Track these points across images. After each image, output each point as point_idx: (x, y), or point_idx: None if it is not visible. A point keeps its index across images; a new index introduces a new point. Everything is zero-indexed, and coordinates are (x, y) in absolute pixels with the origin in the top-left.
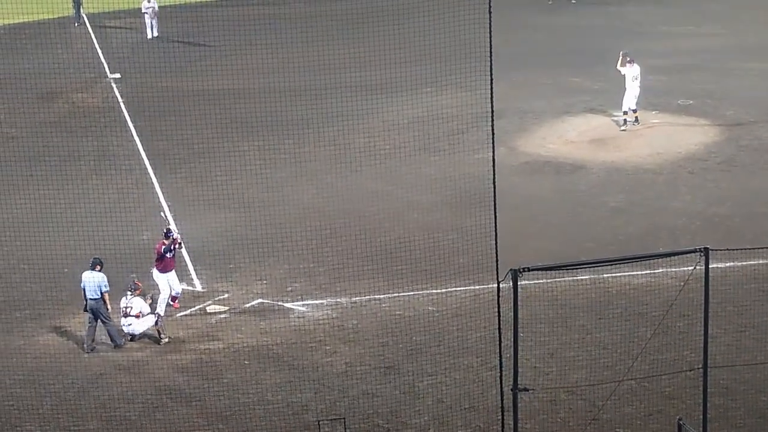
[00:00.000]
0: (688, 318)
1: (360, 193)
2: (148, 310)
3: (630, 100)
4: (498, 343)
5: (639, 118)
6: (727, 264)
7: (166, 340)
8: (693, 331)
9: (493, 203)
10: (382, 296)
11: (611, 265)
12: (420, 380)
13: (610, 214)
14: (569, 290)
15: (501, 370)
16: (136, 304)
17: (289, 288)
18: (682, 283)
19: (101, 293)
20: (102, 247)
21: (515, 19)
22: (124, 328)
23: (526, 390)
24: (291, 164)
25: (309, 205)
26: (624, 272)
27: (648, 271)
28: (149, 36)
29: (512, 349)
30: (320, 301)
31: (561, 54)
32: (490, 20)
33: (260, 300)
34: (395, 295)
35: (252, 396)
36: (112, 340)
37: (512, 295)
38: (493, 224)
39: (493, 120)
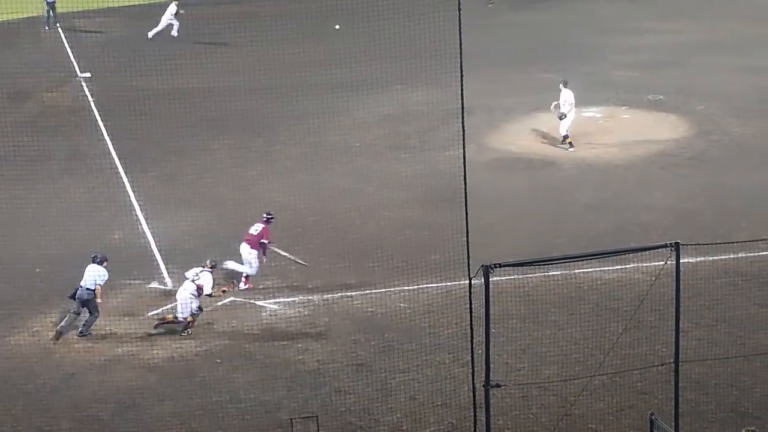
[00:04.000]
0: (659, 313)
1: (331, 190)
2: (209, 291)
3: (565, 124)
4: (470, 339)
5: (573, 143)
6: (698, 259)
7: (188, 333)
8: (664, 325)
9: (464, 200)
10: (353, 293)
11: (582, 260)
12: (392, 377)
13: (581, 210)
14: (541, 286)
15: (473, 367)
16: (205, 278)
17: (261, 286)
18: (653, 278)
19: (95, 286)
20: (73, 246)
21: (485, 17)
22: (182, 300)
23: (498, 386)
24: (262, 162)
25: (280, 203)
26: (595, 267)
27: (619, 267)
28: (174, 34)
29: (484, 345)
30: (292, 299)
31: (531, 50)
32: (459, 17)
33: (232, 298)
34: (367, 292)
35: (224, 394)
36: (85, 326)
37: (484, 292)
38: (465, 221)
39: (463, 117)
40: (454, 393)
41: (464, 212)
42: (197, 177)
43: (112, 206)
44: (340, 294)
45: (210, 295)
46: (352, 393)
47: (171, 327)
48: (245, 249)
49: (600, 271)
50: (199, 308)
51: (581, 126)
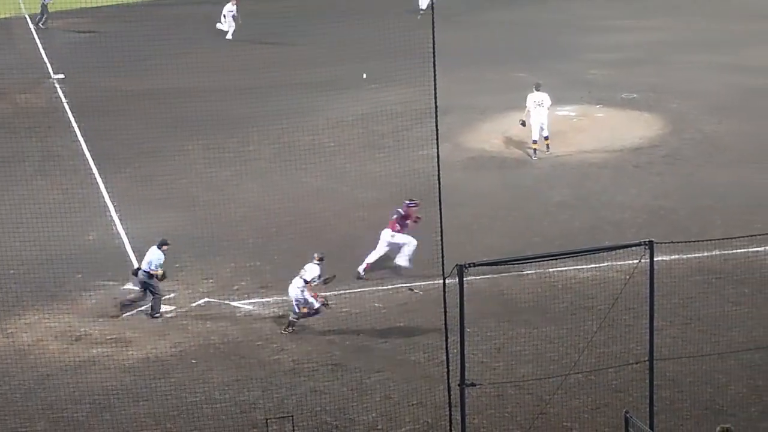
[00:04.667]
0: (633, 311)
1: (305, 190)
2: (308, 278)
3: (535, 128)
4: (444, 338)
5: (539, 149)
6: (672, 257)
7: (288, 331)
8: (639, 323)
9: (438, 199)
10: (328, 293)
11: (557, 259)
12: (367, 377)
13: (556, 209)
14: (515, 285)
15: (448, 366)
16: (310, 269)
17: (236, 286)
18: (628, 277)
19: (149, 269)
20: (48, 248)
21: (460, 16)
22: (295, 295)
23: (473, 385)
24: (236, 163)
25: (254, 204)
26: (570, 266)
27: (594, 265)
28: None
29: (459, 344)
30: (267, 299)
31: (506, 50)
32: (432, 16)
33: (207, 299)
34: (342, 292)
35: (199, 395)
36: (152, 309)
37: (458, 291)
38: (439, 220)
39: (437, 116)
40: (430, 392)
41: (438, 211)
42: (172, 178)
43: (86, 207)
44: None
45: (306, 282)
46: (327, 393)
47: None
48: (386, 234)
49: (574, 269)
50: (309, 303)
51: (554, 124)
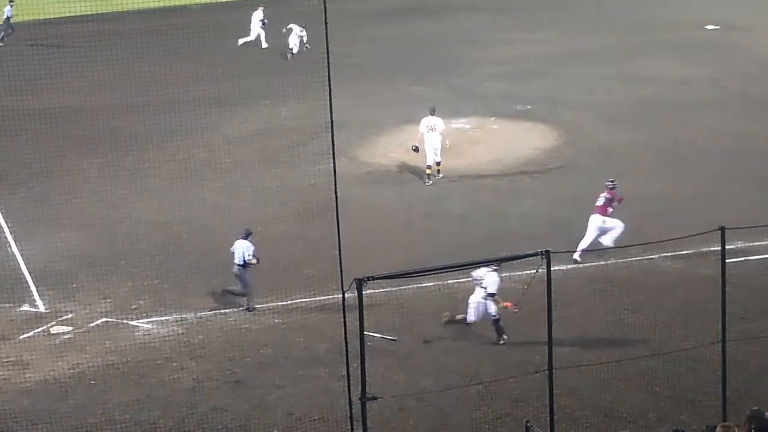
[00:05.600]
0: (532, 320)
1: (203, 207)
2: (494, 291)
3: (429, 153)
4: (345, 352)
5: (432, 174)
6: (569, 266)
7: (503, 340)
8: (538, 333)
9: (335, 214)
10: (228, 310)
11: (455, 271)
12: (269, 393)
13: (454, 221)
14: (415, 297)
15: (349, 380)
16: (490, 278)
17: (134, 305)
18: (525, 286)
19: (244, 261)
20: None
21: (354, 30)
22: (476, 304)
23: (374, 399)
24: (132, 180)
25: (152, 221)
26: (468, 278)
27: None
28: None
29: (359, 358)
30: (166, 318)
31: (400, 64)
32: (326, 30)
33: (105, 319)
34: (241, 309)
35: (99, 416)
36: (240, 295)
37: (357, 305)
38: (337, 234)
39: (332, 130)
40: (332, 407)
41: (336, 226)
42: (67, 197)
43: None
44: (214, 311)
45: (493, 296)
46: (229, 410)
47: (457, 326)
48: (596, 218)
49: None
50: (492, 314)
51: (450, 137)
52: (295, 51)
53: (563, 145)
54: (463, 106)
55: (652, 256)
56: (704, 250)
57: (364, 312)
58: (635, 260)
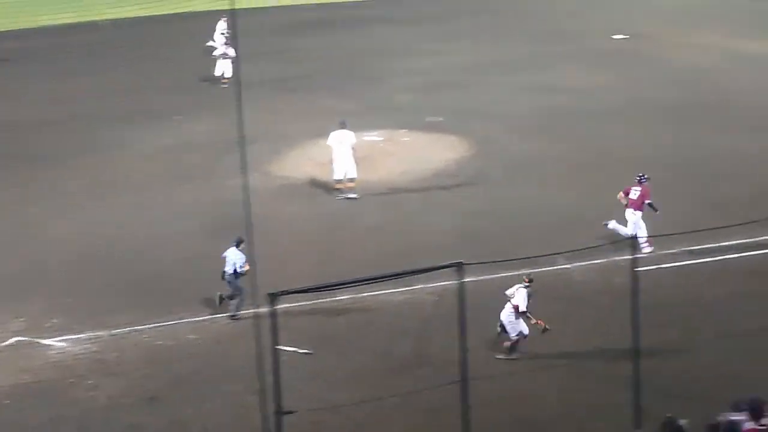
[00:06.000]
0: (447, 332)
1: (116, 224)
2: (523, 308)
3: (337, 167)
4: (259, 367)
5: (343, 189)
6: (483, 277)
7: (512, 357)
8: (452, 344)
9: (248, 228)
10: (142, 327)
11: (370, 283)
12: (185, 409)
13: (367, 234)
14: (330, 311)
15: (263, 394)
16: (520, 295)
17: (47, 324)
18: (438, 298)
19: (235, 270)
20: None
21: (267, 44)
22: (507, 321)
23: (289, 413)
24: (44, 198)
25: (64, 239)
26: (383, 290)
27: (406, 288)
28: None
29: (273, 372)
30: (79, 336)
31: (314, 77)
32: (236, 46)
33: (17, 338)
34: (156, 325)
35: None
36: (236, 309)
37: (271, 320)
38: (250, 249)
39: (243, 145)
40: (247, 422)
41: (250, 241)
42: None
43: None
44: (128, 328)
45: (524, 313)
46: (144, 428)
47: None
48: (630, 213)
49: (387, 293)
50: (520, 332)
51: (363, 150)
52: (228, 75)
53: (474, 156)
54: (375, 118)
55: (567, 265)
56: (617, 258)
57: (279, 326)
58: (549, 269)
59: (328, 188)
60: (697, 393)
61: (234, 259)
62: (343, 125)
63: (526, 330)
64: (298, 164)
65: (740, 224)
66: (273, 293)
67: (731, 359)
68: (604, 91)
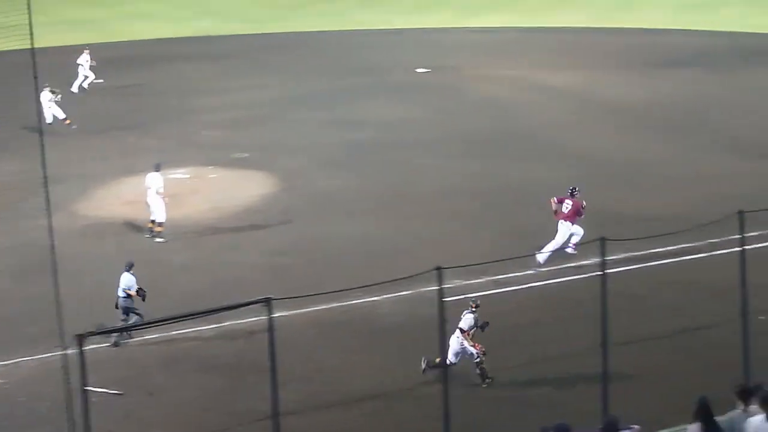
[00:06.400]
0: (257, 367)
1: None
2: (464, 327)
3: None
4: (67, 409)
5: (153, 229)
6: (292, 312)
7: (486, 383)
8: (263, 379)
9: (53, 269)
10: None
11: (180, 321)
12: None
13: (176, 272)
14: (141, 350)
15: None
16: (466, 318)
17: None
18: (249, 334)
19: (126, 293)
20: None
21: (71, 85)
22: (459, 345)
23: None
24: None
25: None
26: (193, 327)
27: (216, 325)
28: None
29: (83, 414)
30: None
31: (120, 115)
32: (36, 86)
33: None
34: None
35: None
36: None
37: (79, 361)
38: (56, 291)
39: (47, 185)
40: None
41: (55, 282)
42: None
43: None
44: None
45: (463, 331)
46: None
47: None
48: (561, 224)
49: (198, 330)
50: (472, 354)
51: (170, 188)
52: (60, 116)
53: (281, 191)
54: (182, 155)
55: (375, 298)
56: (423, 290)
57: (89, 367)
58: (358, 302)
59: (135, 227)
60: (506, 416)
61: (124, 282)
62: (156, 168)
63: (474, 353)
64: (105, 203)
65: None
66: (81, 334)
67: (538, 385)
68: (410, 123)
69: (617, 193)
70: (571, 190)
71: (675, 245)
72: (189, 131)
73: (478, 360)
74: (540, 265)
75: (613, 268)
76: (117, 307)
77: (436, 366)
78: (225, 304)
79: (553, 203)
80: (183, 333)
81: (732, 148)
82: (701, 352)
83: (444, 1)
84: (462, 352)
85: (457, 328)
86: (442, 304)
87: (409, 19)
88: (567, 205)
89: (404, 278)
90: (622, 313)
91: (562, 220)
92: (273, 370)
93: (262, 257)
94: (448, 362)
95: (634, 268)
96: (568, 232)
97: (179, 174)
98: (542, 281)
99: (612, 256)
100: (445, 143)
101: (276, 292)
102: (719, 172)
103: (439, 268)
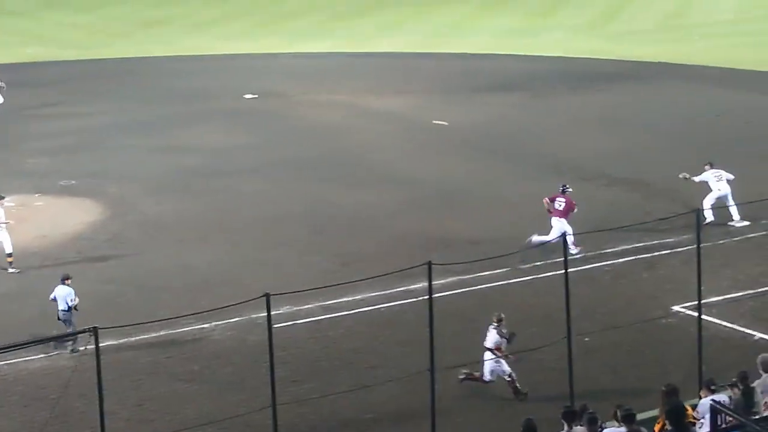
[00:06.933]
0: (86, 397)
1: None
2: (490, 345)
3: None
4: None
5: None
6: (121, 340)
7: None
8: (92, 409)
9: None
10: None
11: (4, 352)
12: None
13: (2, 301)
14: None
15: None
16: (490, 336)
17: None
18: (76, 364)
19: (68, 305)
20: None
21: None
22: (492, 365)
23: None
24: None
25: None
26: (20, 358)
27: (43, 355)
28: None
29: None
30: None
31: None
32: None
33: None
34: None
35: None
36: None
37: None
38: None
39: None
40: None
41: None
42: None
43: None
44: None
45: (489, 350)
46: None
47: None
48: (555, 221)
49: (25, 360)
50: (504, 372)
51: None
52: None
53: (110, 218)
54: (7, 183)
55: (204, 325)
56: (253, 316)
57: None
58: (188, 330)
59: None
60: None
61: (64, 294)
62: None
63: (506, 371)
64: None
65: (372, 278)
66: None
67: (368, 408)
68: (238, 149)
69: (444, 216)
70: (563, 187)
71: (502, 268)
72: (14, 159)
73: (509, 380)
74: (530, 244)
75: (440, 292)
76: (59, 319)
77: (473, 379)
78: (52, 335)
79: (546, 203)
80: (9, 363)
81: (555, 170)
82: (527, 375)
83: (273, 28)
84: (498, 370)
85: (484, 346)
86: (271, 330)
87: (238, 44)
88: (560, 203)
89: (234, 305)
90: (454, 336)
91: (557, 218)
92: (101, 399)
93: (90, 285)
94: (485, 379)
95: (462, 291)
96: (562, 228)
97: (6, 203)
98: (372, 306)
99: (440, 280)
100: (273, 169)
101: (105, 321)
102: (544, 194)
103: (267, 295)
